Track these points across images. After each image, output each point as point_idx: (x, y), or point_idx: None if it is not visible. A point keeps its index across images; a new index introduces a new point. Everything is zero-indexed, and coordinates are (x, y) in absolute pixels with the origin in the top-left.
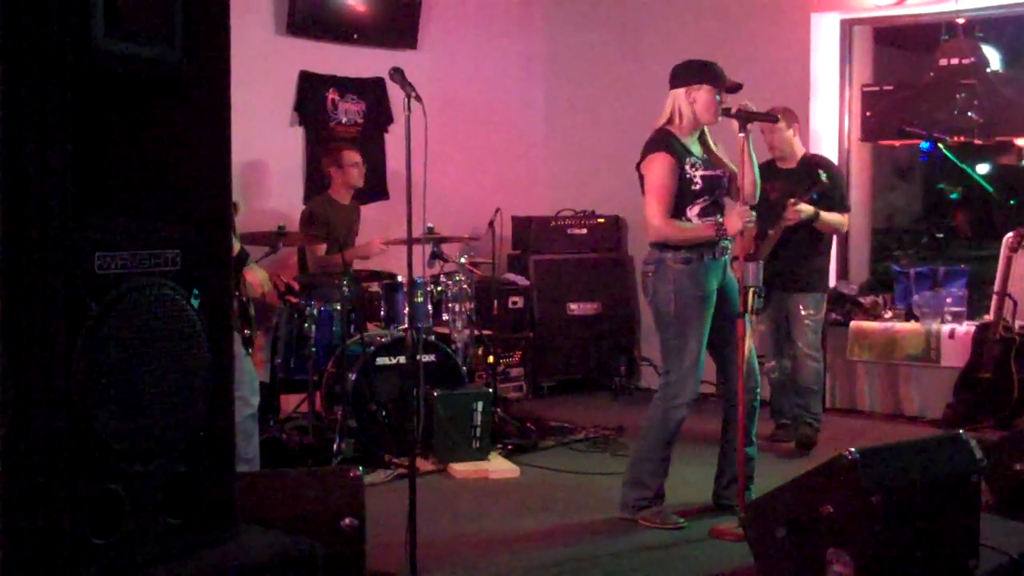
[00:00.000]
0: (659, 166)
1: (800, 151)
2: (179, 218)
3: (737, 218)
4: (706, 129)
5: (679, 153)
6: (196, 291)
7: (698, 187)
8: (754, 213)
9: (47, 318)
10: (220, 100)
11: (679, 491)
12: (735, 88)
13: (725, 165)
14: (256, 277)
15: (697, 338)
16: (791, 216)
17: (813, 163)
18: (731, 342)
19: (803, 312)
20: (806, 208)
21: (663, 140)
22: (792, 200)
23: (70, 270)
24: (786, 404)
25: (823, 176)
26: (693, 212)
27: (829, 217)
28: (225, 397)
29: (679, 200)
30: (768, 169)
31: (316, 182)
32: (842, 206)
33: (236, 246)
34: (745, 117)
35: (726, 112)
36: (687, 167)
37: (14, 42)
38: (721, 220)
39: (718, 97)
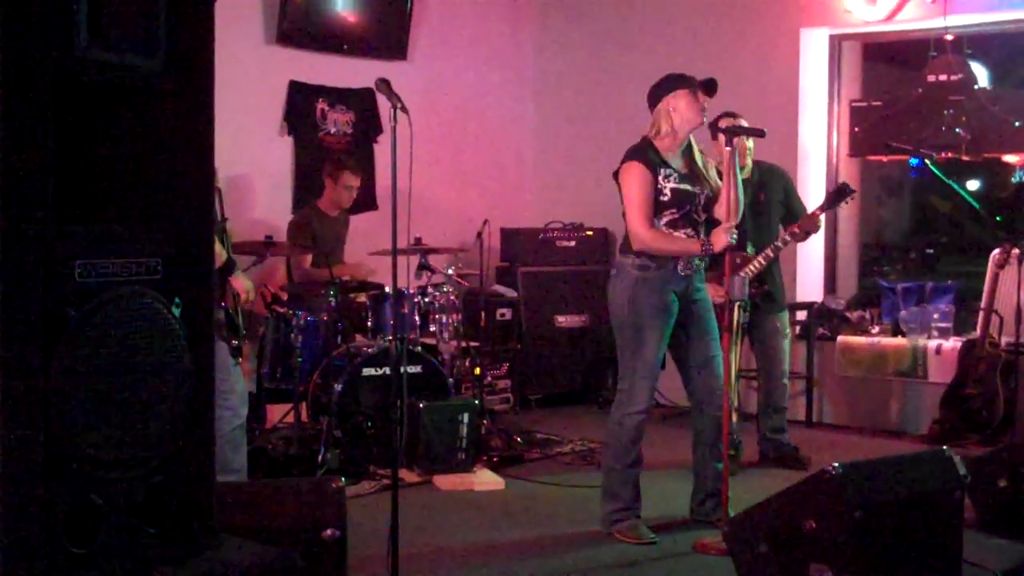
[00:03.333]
0: (632, 175)
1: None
2: (161, 227)
3: (724, 235)
4: (694, 146)
5: (654, 163)
6: (177, 300)
7: (666, 199)
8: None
9: (26, 326)
10: (203, 109)
11: (660, 504)
12: (711, 85)
13: (706, 181)
14: (241, 284)
15: (652, 348)
16: (814, 229)
17: (769, 172)
18: (702, 360)
19: (780, 331)
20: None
21: (639, 149)
22: (817, 211)
23: (50, 277)
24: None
25: (851, 189)
26: (661, 223)
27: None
28: (205, 407)
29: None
30: None
31: (305, 192)
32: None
33: (223, 255)
34: (733, 132)
35: (714, 128)
36: (660, 177)
37: None
38: (707, 237)
39: (707, 101)
